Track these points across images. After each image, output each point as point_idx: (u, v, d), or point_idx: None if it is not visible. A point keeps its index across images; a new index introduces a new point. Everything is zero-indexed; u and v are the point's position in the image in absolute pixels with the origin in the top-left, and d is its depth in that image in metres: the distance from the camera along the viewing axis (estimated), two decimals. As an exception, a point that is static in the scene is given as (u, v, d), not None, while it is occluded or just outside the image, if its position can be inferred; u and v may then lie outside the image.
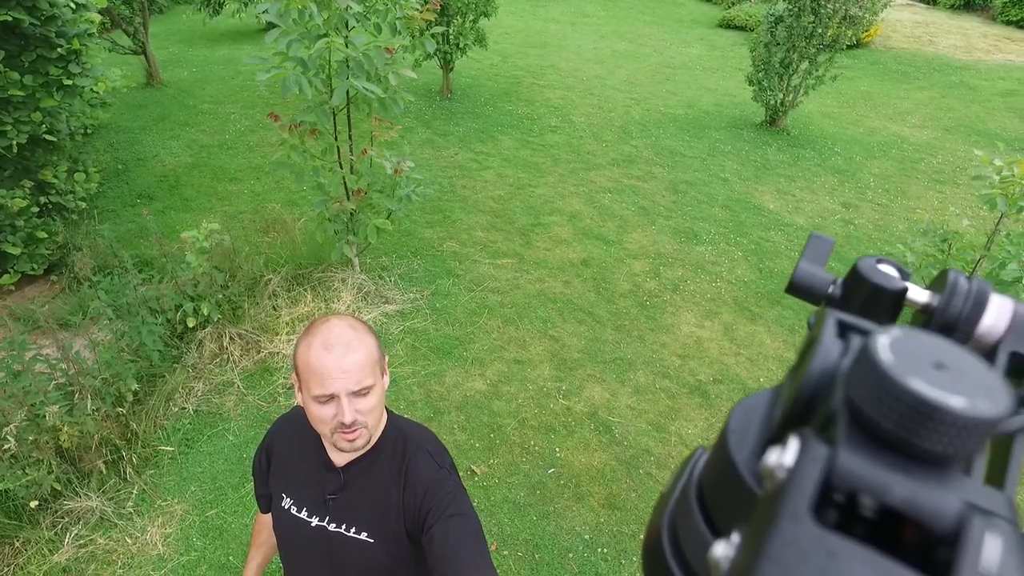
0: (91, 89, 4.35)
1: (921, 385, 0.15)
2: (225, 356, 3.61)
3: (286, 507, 1.25)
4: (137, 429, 3.03)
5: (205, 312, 3.52)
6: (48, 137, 3.91)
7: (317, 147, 3.35)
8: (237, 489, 2.98)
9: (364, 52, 2.99)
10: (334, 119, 3.35)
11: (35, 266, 4.01)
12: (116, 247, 3.60)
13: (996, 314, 0.31)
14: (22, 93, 3.72)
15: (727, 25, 13.73)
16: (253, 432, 3.25)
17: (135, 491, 2.90)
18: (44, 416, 2.54)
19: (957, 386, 0.16)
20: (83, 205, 4.45)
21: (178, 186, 5.34)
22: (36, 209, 4.07)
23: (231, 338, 3.66)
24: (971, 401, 0.15)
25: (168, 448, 3.08)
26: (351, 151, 3.70)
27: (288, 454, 1.29)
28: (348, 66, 3.02)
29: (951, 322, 0.31)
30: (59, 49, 3.83)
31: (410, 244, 4.89)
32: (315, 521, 1.21)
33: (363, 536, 1.18)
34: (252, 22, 10.47)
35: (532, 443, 3.29)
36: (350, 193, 3.73)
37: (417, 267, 4.65)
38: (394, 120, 3.68)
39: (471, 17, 7.05)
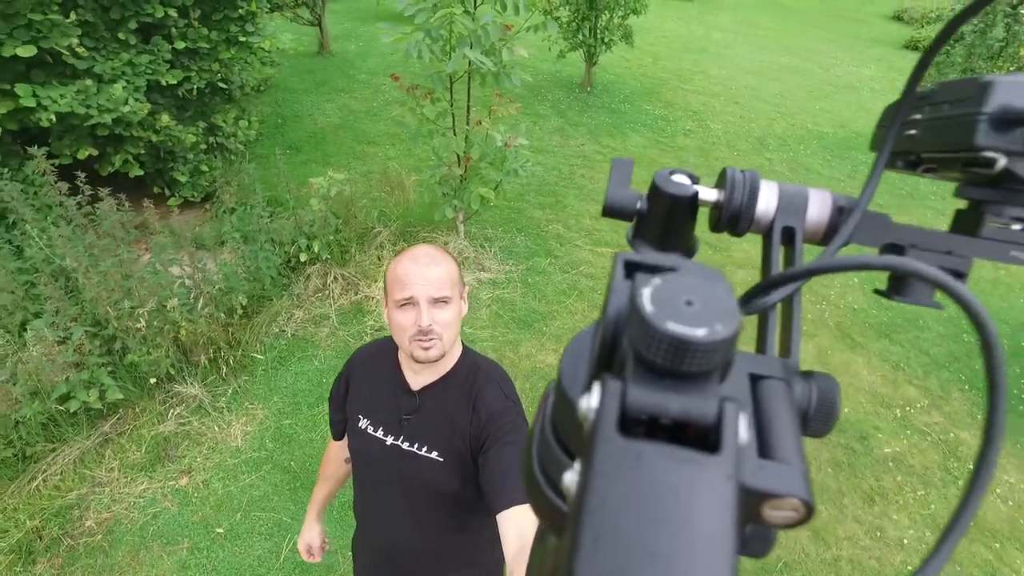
0: (261, 48, 4.97)
1: (674, 326, 0.20)
2: (326, 292, 4.00)
3: (363, 427, 1.34)
4: (241, 338, 3.48)
5: (315, 250, 3.92)
6: (222, 85, 4.53)
7: (432, 111, 3.60)
8: (312, 408, 3.32)
9: (482, 26, 3.18)
10: (451, 87, 3.58)
11: (195, 194, 4.68)
12: (256, 185, 4.11)
13: (767, 198, 0.37)
14: (207, 46, 4.35)
15: (913, 47, 12.53)
16: (337, 362, 3.59)
17: (230, 390, 3.34)
18: (168, 308, 3.01)
19: (700, 319, 0.20)
20: (241, 148, 5.10)
21: (323, 143, 5.94)
22: (204, 147, 4.75)
23: (335, 277, 4.05)
24: (710, 329, 0.20)
25: (261, 358, 3.50)
26: (467, 121, 3.93)
27: (367, 378, 1.38)
28: (467, 38, 3.23)
29: (735, 212, 0.37)
30: (240, 10, 4.42)
31: (518, 220, 5.07)
32: (390, 440, 1.30)
33: (433, 455, 1.26)
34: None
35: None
36: (461, 160, 3.97)
37: (519, 243, 4.82)
38: (514, 96, 3.86)
39: (620, 13, 7.08)
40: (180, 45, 4.12)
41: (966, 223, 0.37)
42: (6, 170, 3.42)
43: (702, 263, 0.25)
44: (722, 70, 9.61)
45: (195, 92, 4.44)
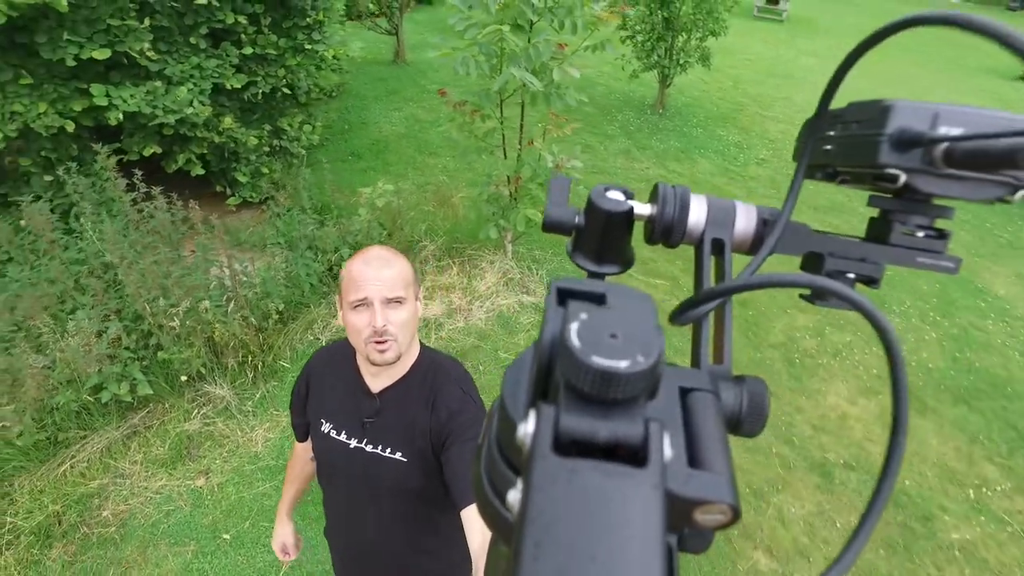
0: (325, 56, 5.07)
1: (599, 360, 0.21)
2: (365, 303, 3.98)
3: (326, 430, 1.34)
4: (274, 344, 3.50)
5: (358, 260, 3.92)
6: (285, 90, 4.64)
7: (481, 129, 3.53)
8: (334, 419, 3.29)
9: (534, 44, 3.08)
10: (500, 105, 3.50)
11: (255, 195, 4.80)
12: (304, 190, 4.17)
13: (696, 210, 0.39)
14: (275, 52, 4.47)
15: (1027, 79, 11.53)
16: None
17: (257, 394, 3.35)
18: (201, 309, 3.05)
19: (623, 352, 0.21)
20: (303, 152, 5.21)
21: (385, 151, 6.00)
22: (267, 149, 4.88)
23: (374, 289, 4.03)
24: (632, 360, 0.21)
25: (289, 366, 3.51)
26: (519, 140, 3.84)
27: (327, 382, 1.39)
28: (519, 56, 3.14)
29: (668, 225, 0.39)
30: (308, 18, 4.52)
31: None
32: (353, 443, 1.30)
33: (397, 456, 1.27)
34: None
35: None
36: (511, 179, 3.88)
37: (569, 268, 4.67)
38: (572, 116, 3.75)
39: (697, 35, 6.83)
40: (248, 51, 4.24)
41: (878, 230, 0.40)
42: (75, 164, 3.60)
43: (630, 287, 0.26)
44: (805, 96, 9.13)
45: (260, 96, 4.56)
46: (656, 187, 0.40)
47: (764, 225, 0.40)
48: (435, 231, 4.52)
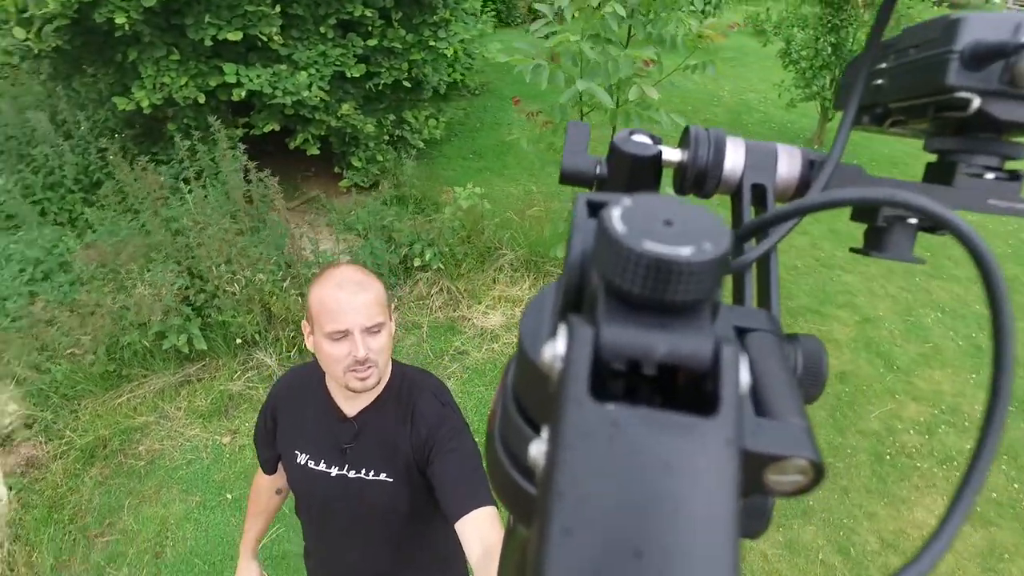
0: (451, 53, 5.16)
1: (652, 245, 0.16)
2: (428, 301, 4.01)
3: (302, 463, 1.29)
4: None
5: (427, 257, 3.94)
6: (406, 84, 4.81)
7: (560, 141, 3.36)
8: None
9: (613, 58, 2.85)
10: (581, 116, 3.29)
11: (365, 180, 5.04)
12: (411, 182, 4.28)
13: (733, 154, 0.36)
14: (401, 46, 4.64)
15: None
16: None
17: (300, 369, 3.52)
18: (258, 281, 3.26)
19: (683, 238, 0.17)
20: (421, 145, 5.38)
21: (505, 154, 5.99)
22: (387, 138, 5.10)
23: (441, 289, 4.03)
24: (697, 248, 0.16)
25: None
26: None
27: (296, 411, 1.33)
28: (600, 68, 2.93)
29: (701, 171, 0.35)
30: (436, 16, 4.63)
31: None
32: (335, 471, 1.26)
33: (382, 476, 1.24)
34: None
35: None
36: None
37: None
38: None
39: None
40: (373, 43, 4.44)
41: (939, 174, 0.36)
42: (198, 132, 4.03)
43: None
44: None
45: (382, 87, 4.76)
46: (687, 129, 0.36)
47: (811, 167, 0.36)
48: (517, 241, 4.41)
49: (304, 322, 1.22)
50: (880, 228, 0.35)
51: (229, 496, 2.93)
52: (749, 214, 0.35)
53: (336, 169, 5.08)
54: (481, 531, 1.04)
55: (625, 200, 0.19)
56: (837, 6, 5.42)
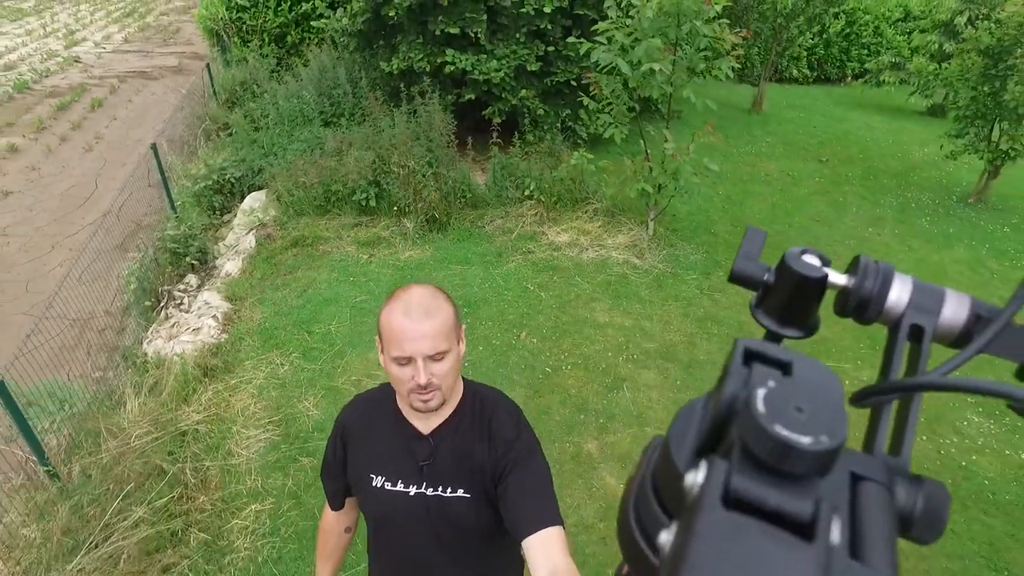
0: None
1: (781, 431, 0.21)
2: (524, 218, 5.49)
3: (378, 485, 1.28)
4: (450, 213, 5.38)
5: (531, 188, 5.46)
6: (573, 83, 6.42)
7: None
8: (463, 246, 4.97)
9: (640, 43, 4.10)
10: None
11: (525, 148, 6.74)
12: (545, 153, 5.87)
13: (899, 290, 0.37)
14: (574, 55, 6.26)
15: None
16: (501, 260, 5.09)
17: (422, 234, 5.29)
18: (418, 176, 5.16)
19: (807, 428, 0.22)
20: (584, 136, 6.91)
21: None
22: (559, 125, 6.73)
23: (536, 214, 5.49)
24: (815, 439, 0.21)
25: (447, 222, 5.34)
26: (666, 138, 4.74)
27: (368, 435, 1.34)
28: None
29: (864, 300, 0.37)
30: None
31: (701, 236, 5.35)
32: (413, 490, 1.26)
33: (460, 493, 1.25)
34: (902, 102, 10.44)
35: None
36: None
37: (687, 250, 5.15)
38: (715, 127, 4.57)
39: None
40: (550, 49, 6.17)
41: None
42: (422, 97, 6.19)
43: (818, 361, 0.27)
44: None
45: (557, 84, 6.44)
46: (857, 258, 0.37)
47: (977, 320, 0.36)
48: (604, 193, 5.65)
49: (377, 337, 1.23)
50: None
51: (351, 278, 4.78)
52: (903, 351, 0.35)
53: (514, 140, 6.87)
54: (550, 551, 1.07)
55: (770, 380, 0.23)
56: (997, 57, 5.51)
